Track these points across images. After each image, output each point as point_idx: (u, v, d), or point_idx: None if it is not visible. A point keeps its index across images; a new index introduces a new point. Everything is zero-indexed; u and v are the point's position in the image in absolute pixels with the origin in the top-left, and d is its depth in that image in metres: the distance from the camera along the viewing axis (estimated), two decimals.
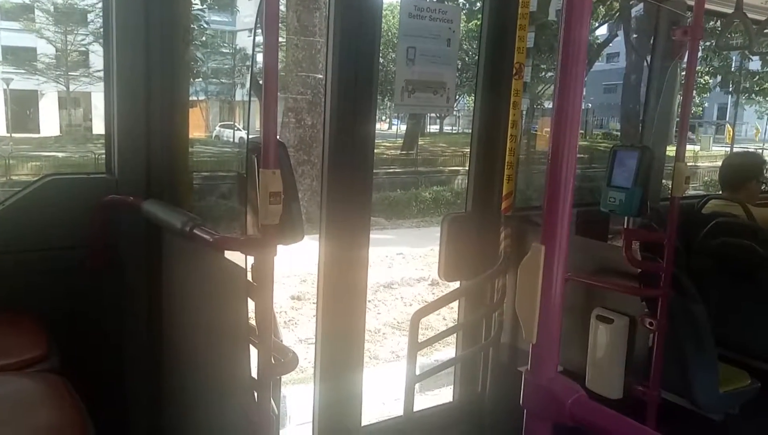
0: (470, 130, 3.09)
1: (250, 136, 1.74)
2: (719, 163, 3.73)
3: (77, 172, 2.59)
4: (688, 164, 2.54)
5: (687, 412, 2.50)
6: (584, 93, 1.00)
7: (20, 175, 15.44)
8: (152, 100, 2.17)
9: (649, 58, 3.62)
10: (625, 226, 2.41)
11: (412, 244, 9.76)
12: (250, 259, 1.62)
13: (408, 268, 8.69)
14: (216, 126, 20.32)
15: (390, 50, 14.25)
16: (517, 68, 2.69)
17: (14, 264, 2.08)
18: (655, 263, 2.39)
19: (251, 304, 1.62)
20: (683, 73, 3.27)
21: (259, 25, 1.47)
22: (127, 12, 2.13)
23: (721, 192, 3.43)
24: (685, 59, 2.55)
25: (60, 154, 17.55)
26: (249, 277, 1.62)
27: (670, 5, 3.36)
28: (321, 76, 9.96)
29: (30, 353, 1.79)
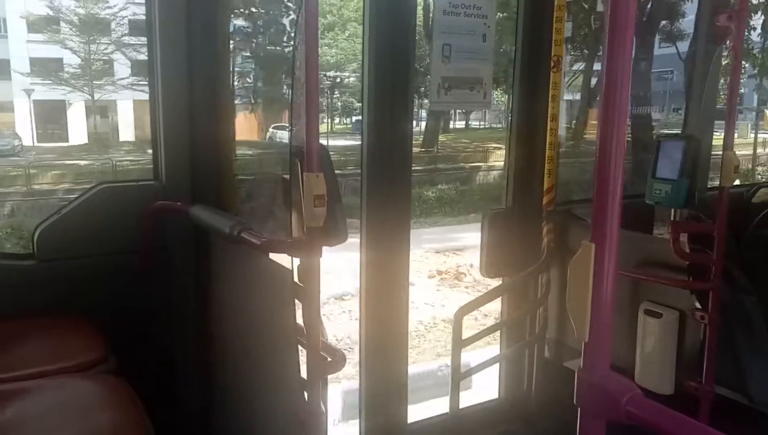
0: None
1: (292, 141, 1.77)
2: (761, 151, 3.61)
3: (127, 180, 2.67)
4: None
5: (742, 408, 2.43)
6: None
7: (42, 184, 15.61)
8: (196, 108, 2.23)
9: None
10: (672, 218, 2.36)
11: None
12: (296, 261, 1.65)
13: None
14: (270, 127, 20.48)
15: None
16: (554, 61, 2.65)
17: (70, 269, 2.16)
18: (705, 255, 2.34)
19: (298, 305, 1.65)
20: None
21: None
22: (169, 21, 2.18)
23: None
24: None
25: (82, 163, 17.69)
26: (295, 278, 1.65)
27: None
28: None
29: (89, 355, 1.85)
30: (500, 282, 3.04)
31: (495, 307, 3.45)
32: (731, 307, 2.35)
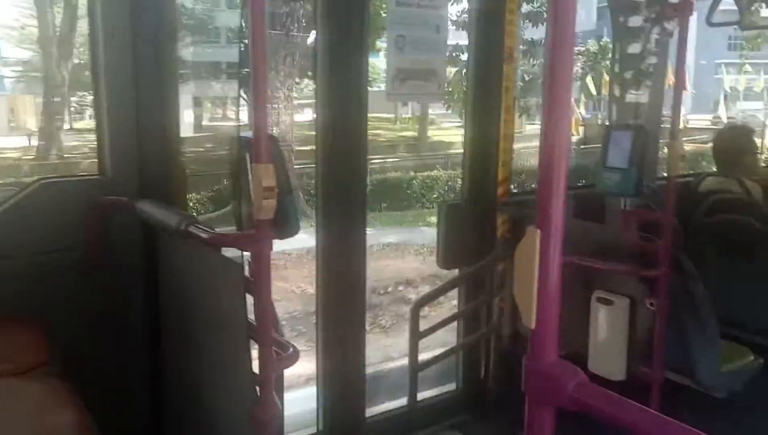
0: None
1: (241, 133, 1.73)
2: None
3: (70, 175, 2.57)
4: None
5: (690, 392, 2.50)
6: None
7: None
8: (142, 100, 2.15)
9: None
10: (623, 207, 2.40)
11: None
12: (247, 255, 1.61)
13: None
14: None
15: None
16: (507, 52, 2.67)
17: (11, 269, 2.06)
18: (654, 243, 2.38)
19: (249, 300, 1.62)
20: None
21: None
22: (114, 13, 2.10)
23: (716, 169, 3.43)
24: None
25: None
26: (246, 272, 1.61)
27: None
28: None
29: (31, 358, 1.78)
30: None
31: None
32: (679, 293, 2.41)
